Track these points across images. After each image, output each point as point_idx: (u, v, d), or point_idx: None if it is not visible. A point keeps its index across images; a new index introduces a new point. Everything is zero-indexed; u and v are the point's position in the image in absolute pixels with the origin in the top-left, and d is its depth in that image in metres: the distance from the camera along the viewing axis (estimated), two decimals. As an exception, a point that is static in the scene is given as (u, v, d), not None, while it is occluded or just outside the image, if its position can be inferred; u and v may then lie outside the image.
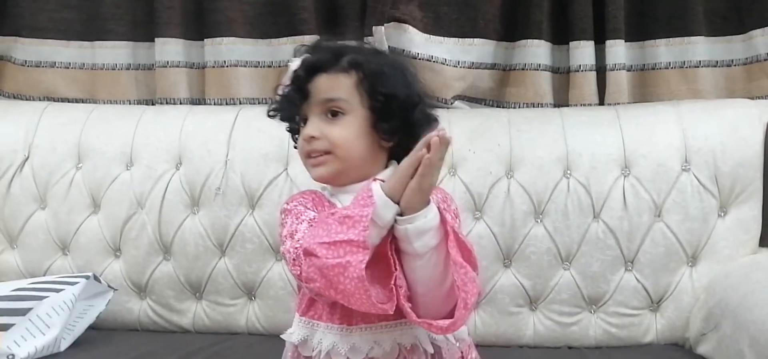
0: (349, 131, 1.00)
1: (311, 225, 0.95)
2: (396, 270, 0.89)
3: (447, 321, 0.89)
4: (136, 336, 1.52)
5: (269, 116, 1.08)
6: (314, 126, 1.01)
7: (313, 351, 1.00)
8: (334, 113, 1.01)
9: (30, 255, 1.59)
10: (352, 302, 0.88)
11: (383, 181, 0.91)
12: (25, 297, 1.38)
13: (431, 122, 1.04)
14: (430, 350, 1.00)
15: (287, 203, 1.03)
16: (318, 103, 1.01)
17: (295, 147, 1.08)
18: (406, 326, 0.98)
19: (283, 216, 1.02)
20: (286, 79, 1.02)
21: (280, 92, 1.04)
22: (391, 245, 0.90)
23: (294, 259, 0.93)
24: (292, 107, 1.02)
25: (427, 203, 0.89)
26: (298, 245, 0.93)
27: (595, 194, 1.46)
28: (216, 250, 1.53)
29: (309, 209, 1.01)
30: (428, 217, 0.89)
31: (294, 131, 1.08)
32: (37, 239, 1.59)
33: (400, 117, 1.01)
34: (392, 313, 0.88)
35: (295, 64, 1.02)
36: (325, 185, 1.08)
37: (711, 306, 1.35)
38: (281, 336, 1.05)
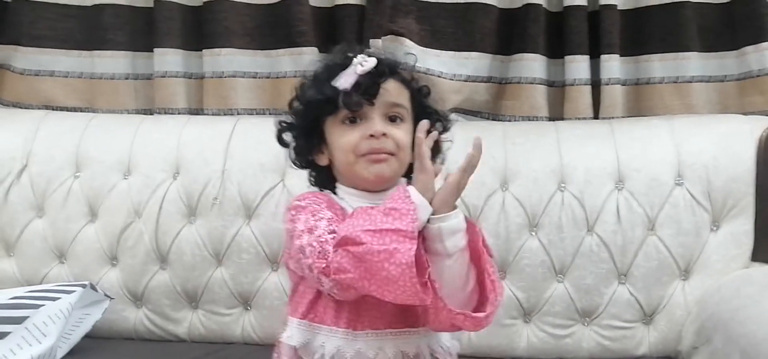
0: (408, 138, 1.04)
1: (330, 223, 0.97)
2: (429, 266, 0.91)
3: (482, 314, 0.94)
4: (132, 345, 1.53)
5: (302, 105, 1.08)
6: (382, 125, 1.03)
7: (315, 354, 1.01)
8: (393, 118, 1.04)
9: (27, 263, 1.59)
10: (390, 290, 0.89)
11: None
12: (22, 305, 1.38)
13: (439, 142, 1.08)
14: None
15: (299, 200, 1.04)
16: (386, 105, 1.04)
17: (298, 161, 1.10)
18: (411, 334, 1.01)
19: (294, 212, 1.02)
20: (350, 77, 1.01)
21: (330, 85, 1.03)
22: (421, 245, 0.92)
23: (319, 252, 0.93)
24: (356, 102, 1.02)
25: (455, 207, 0.94)
26: (324, 240, 0.94)
27: (589, 208, 1.47)
28: (212, 260, 1.54)
29: (324, 208, 1.02)
30: (459, 218, 0.94)
31: (307, 136, 1.08)
32: (34, 247, 1.59)
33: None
34: (429, 302, 0.91)
35: (370, 62, 1.02)
36: (326, 190, 1.10)
37: (703, 319, 1.36)
38: (280, 339, 1.06)
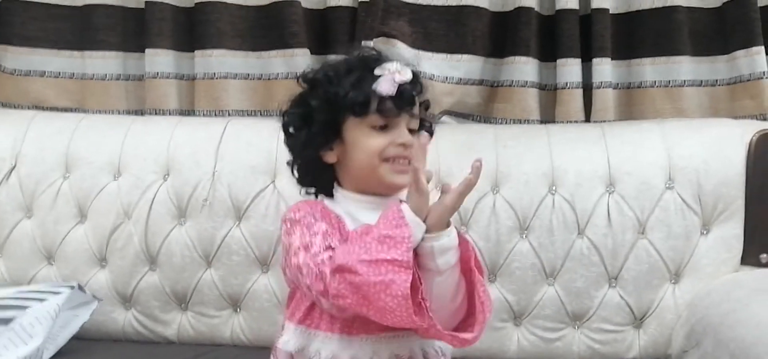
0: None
1: (325, 238, 0.97)
2: (421, 284, 0.92)
3: (470, 334, 0.96)
4: (121, 347, 1.52)
5: (332, 101, 1.04)
6: (408, 135, 1.04)
7: None
8: (411, 129, 1.05)
9: (15, 264, 1.58)
10: (387, 318, 0.90)
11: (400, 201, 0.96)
12: (8, 306, 1.37)
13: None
14: None
15: (293, 213, 1.03)
16: (413, 116, 1.05)
17: (302, 155, 1.08)
18: (403, 338, 1.02)
19: (288, 225, 1.02)
20: (391, 85, 1.01)
21: (370, 88, 1.02)
22: (414, 262, 0.93)
23: (317, 274, 0.94)
24: (391, 109, 1.02)
25: (448, 224, 0.95)
26: (321, 261, 0.94)
27: (580, 211, 1.47)
28: (202, 261, 1.53)
29: (318, 220, 1.01)
30: (451, 236, 0.95)
31: (324, 130, 1.05)
32: (23, 248, 1.58)
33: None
34: (425, 326, 0.91)
35: (406, 73, 1.03)
36: (319, 196, 1.10)
37: (693, 323, 1.36)
38: (277, 345, 1.06)
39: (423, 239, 0.94)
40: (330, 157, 1.06)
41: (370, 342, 1.00)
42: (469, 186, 0.95)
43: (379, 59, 1.04)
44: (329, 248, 0.97)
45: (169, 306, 1.55)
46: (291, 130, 1.09)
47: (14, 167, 1.61)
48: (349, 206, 1.05)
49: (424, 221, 0.94)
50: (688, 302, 1.42)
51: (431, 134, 1.11)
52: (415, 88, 1.05)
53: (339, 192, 1.07)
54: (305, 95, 1.08)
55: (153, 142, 1.60)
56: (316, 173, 1.09)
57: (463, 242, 0.98)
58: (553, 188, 1.49)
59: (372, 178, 1.03)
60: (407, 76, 1.02)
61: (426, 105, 1.11)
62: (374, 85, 1.01)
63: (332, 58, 1.11)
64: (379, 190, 1.04)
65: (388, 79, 1.01)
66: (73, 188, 1.59)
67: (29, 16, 1.80)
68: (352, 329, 1.00)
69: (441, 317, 0.95)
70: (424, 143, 0.98)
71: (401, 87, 1.01)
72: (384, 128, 1.03)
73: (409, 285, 0.89)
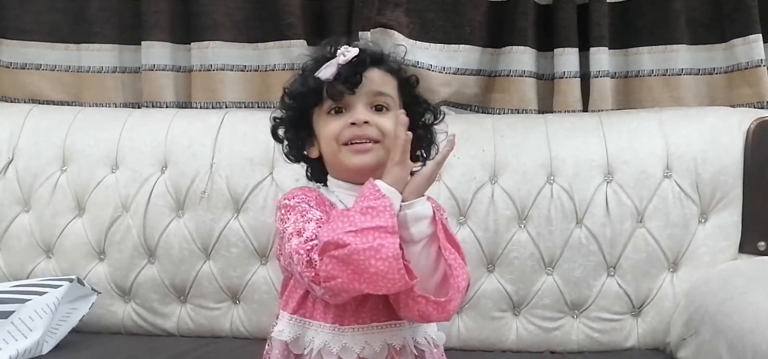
0: (393, 126, 1.03)
1: (319, 225, 0.97)
2: (402, 249, 0.93)
3: (443, 298, 0.95)
4: (120, 340, 1.52)
5: (289, 98, 1.09)
6: (365, 113, 1.03)
7: (304, 349, 1.01)
8: (378, 107, 1.05)
9: (13, 258, 1.58)
10: (380, 284, 0.91)
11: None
12: (7, 299, 1.37)
13: (433, 133, 1.12)
14: (415, 352, 1.04)
15: (288, 199, 1.04)
16: (370, 93, 1.05)
17: (291, 155, 1.11)
18: (396, 327, 1.02)
19: (283, 212, 1.03)
20: (332, 68, 1.02)
21: (314, 76, 1.04)
22: None
23: (307, 261, 0.94)
24: (338, 91, 1.03)
25: (421, 194, 0.97)
26: (311, 246, 0.95)
27: (578, 200, 1.47)
28: (201, 254, 1.53)
29: (313, 207, 1.02)
30: (425, 206, 0.96)
31: (296, 129, 1.09)
32: (21, 242, 1.58)
33: (418, 124, 1.08)
34: (414, 284, 0.92)
35: (352, 52, 1.03)
36: (317, 183, 1.12)
37: (691, 311, 1.37)
38: (271, 334, 1.06)
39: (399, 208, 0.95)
40: (313, 152, 1.10)
41: (361, 332, 1.01)
42: (444, 156, 0.98)
43: (336, 45, 1.06)
44: None
45: (168, 299, 1.55)
46: (279, 133, 1.13)
47: (11, 160, 1.61)
48: (340, 194, 1.07)
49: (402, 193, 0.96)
50: (686, 290, 1.42)
51: (427, 109, 1.11)
52: (363, 66, 1.04)
53: (331, 182, 1.10)
54: (283, 97, 1.12)
55: (150, 134, 1.60)
56: (311, 169, 1.14)
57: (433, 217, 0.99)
58: (552, 177, 1.49)
59: (338, 166, 1.06)
60: (350, 55, 1.03)
61: (412, 82, 1.11)
62: (317, 72, 1.03)
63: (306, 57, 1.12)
64: (349, 177, 1.06)
65: (331, 62, 1.03)
66: (70, 182, 1.58)
67: (24, 9, 1.79)
68: (343, 318, 1.00)
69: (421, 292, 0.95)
70: (402, 121, 0.98)
71: (343, 68, 1.02)
72: (339, 112, 1.04)
73: (397, 245, 0.90)
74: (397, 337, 1.02)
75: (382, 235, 0.90)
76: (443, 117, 1.14)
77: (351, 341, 1.00)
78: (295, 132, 1.10)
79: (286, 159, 1.14)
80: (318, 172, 1.12)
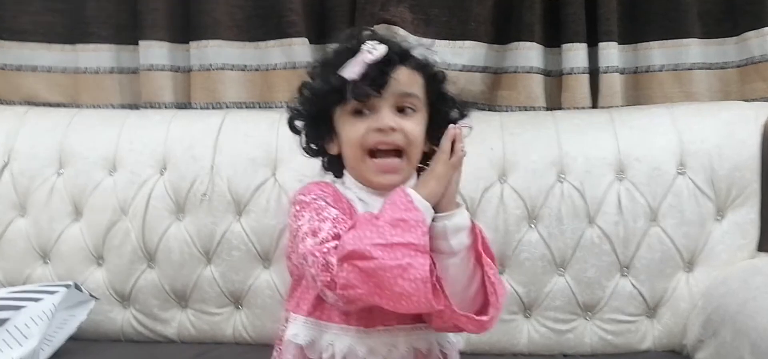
0: (421, 130, 1.00)
1: (335, 225, 0.93)
2: (435, 265, 0.90)
3: (485, 317, 0.93)
4: (119, 347, 1.49)
5: (310, 93, 1.04)
6: (391, 118, 0.98)
7: (322, 353, 0.98)
8: (402, 109, 0.99)
9: (9, 264, 1.54)
10: (402, 304, 0.87)
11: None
12: (2, 306, 1.33)
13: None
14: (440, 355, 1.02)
15: (303, 194, 1.00)
16: (396, 95, 0.99)
17: (313, 147, 1.06)
18: (422, 330, 0.99)
19: (297, 208, 0.99)
20: (358, 66, 0.97)
21: (337, 74, 0.98)
22: None
23: (323, 264, 0.90)
24: (364, 92, 0.97)
25: (458, 204, 0.94)
26: (326, 250, 0.90)
27: (590, 199, 1.44)
28: (202, 258, 1.50)
29: (330, 204, 0.98)
30: (464, 215, 0.93)
31: (316, 125, 1.04)
32: (17, 247, 1.55)
33: (446, 123, 1.00)
34: (441, 308, 0.89)
35: (380, 50, 0.97)
36: (333, 178, 1.08)
37: (709, 312, 1.33)
38: (283, 337, 1.02)
39: (434, 219, 0.92)
40: (332, 148, 1.06)
41: (388, 334, 0.98)
42: (458, 157, 0.95)
43: (361, 40, 1.00)
44: (337, 236, 0.93)
45: (169, 304, 1.51)
46: (296, 124, 1.08)
47: (7, 164, 1.58)
48: (359, 193, 1.03)
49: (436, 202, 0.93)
50: (703, 290, 1.39)
51: (454, 107, 1.06)
52: (391, 65, 0.98)
53: (348, 179, 1.06)
54: (300, 90, 1.07)
55: (149, 136, 1.57)
56: (328, 162, 1.09)
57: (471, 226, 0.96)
58: (562, 176, 1.46)
59: (361, 174, 1.02)
60: (378, 54, 0.97)
61: (440, 78, 1.06)
62: (341, 70, 0.98)
63: (329, 47, 1.07)
64: (371, 186, 1.02)
65: (357, 60, 0.97)
66: (67, 185, 1.55)
67: (20, 10, 1.76)
68: (369, 321, 0.97)
69: (458, 304, 0.92)
70: (451, 135, 0.94)
71: (370, 67, 0.97)
72: (363, 114, 0.99)
73: (427, 268, 0.86)
74: (422, 340, 1.00)
75: (412, 254, 0.86)
76: (469, 115, 1.09)
77: (377, 344, 0.97)
78: (315, 128, 1.05)
79: (304, 153, 1.09)
80: (335, 165, 1.08)
